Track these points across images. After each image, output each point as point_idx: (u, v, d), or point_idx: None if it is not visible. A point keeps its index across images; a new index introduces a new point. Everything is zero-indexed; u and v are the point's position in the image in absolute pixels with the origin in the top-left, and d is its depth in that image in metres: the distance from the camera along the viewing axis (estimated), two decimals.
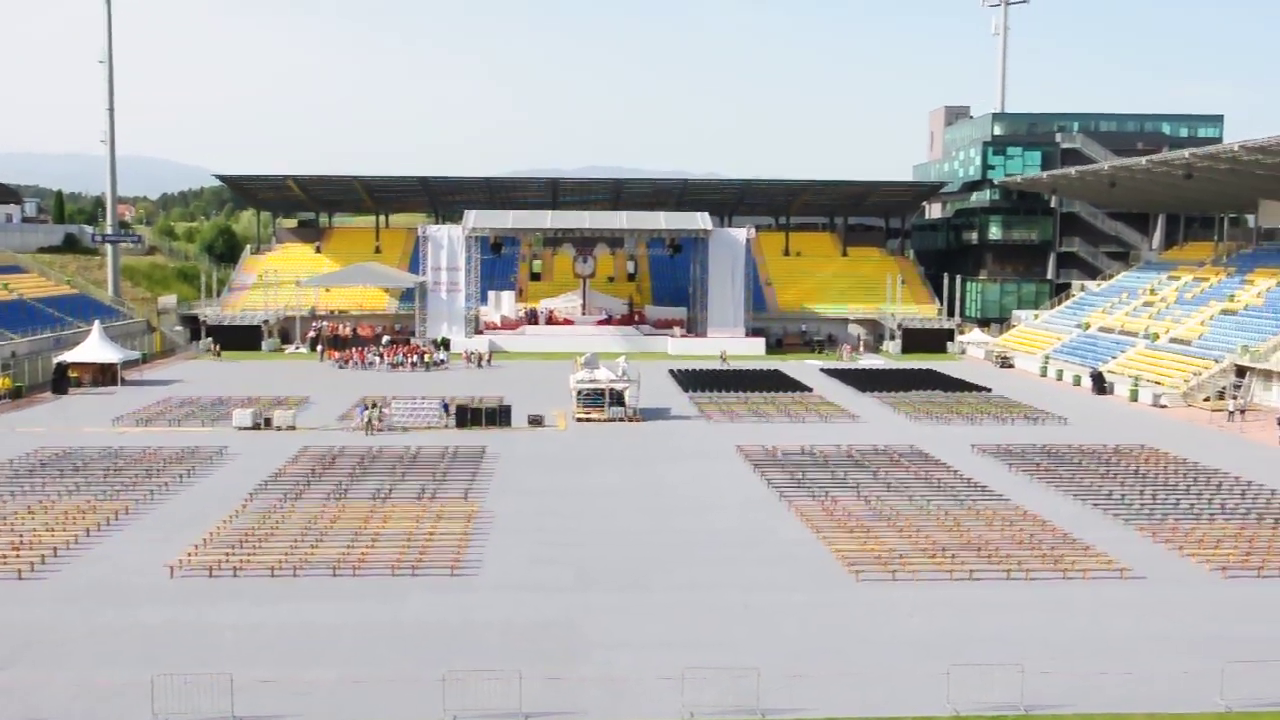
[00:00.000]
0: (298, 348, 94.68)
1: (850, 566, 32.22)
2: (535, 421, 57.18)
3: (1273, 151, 68.18)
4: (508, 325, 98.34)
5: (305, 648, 25.91)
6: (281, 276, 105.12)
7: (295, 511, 37.88)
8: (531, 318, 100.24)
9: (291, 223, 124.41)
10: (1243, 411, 61.51)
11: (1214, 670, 23.80)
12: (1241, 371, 68.27)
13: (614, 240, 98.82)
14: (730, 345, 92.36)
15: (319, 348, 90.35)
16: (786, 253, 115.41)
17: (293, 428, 55.36)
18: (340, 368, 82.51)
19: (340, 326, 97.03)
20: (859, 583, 31.14)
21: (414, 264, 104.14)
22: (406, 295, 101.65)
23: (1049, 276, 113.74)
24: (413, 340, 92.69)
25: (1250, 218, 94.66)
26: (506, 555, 33.50)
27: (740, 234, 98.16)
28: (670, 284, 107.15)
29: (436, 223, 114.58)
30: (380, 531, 35.30)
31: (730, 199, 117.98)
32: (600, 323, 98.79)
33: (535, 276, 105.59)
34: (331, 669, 24.56)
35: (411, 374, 79.72)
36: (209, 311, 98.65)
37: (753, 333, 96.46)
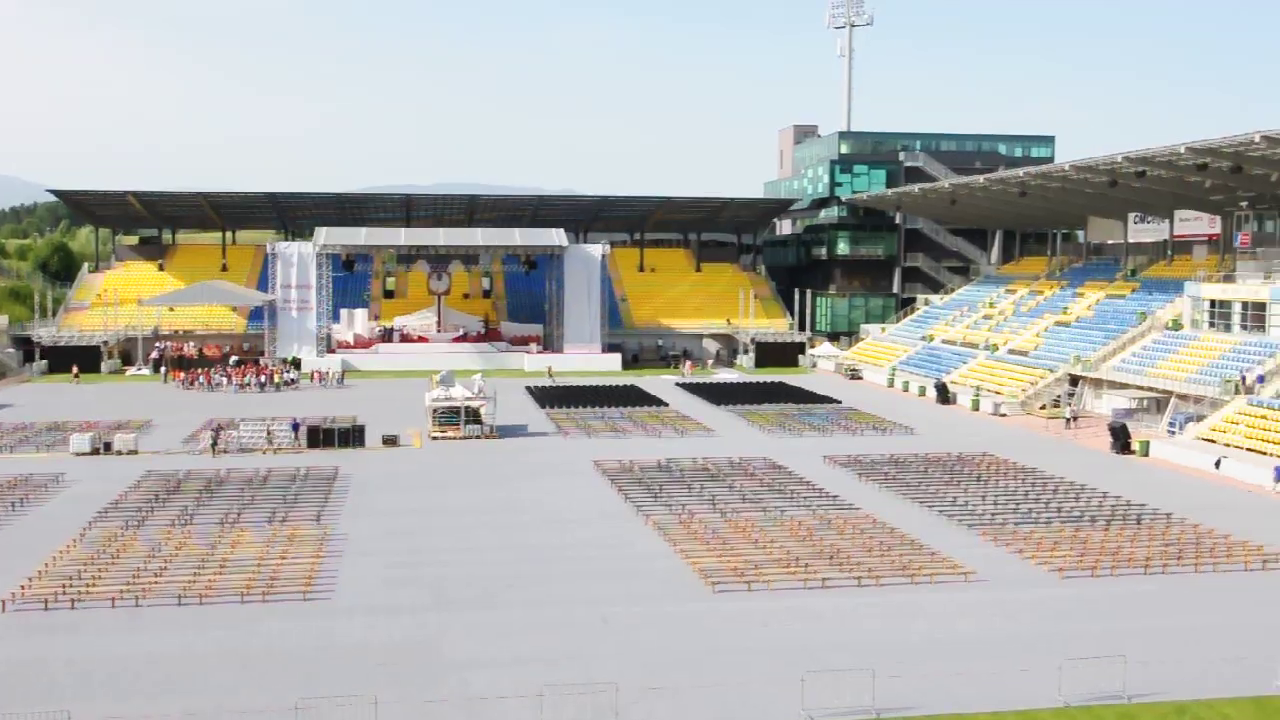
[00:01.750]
0: (140, 369, 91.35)
1: (706, 578, 32.60)
2: (390, 441, 56.34)
3: (1100, 170, 71.65)
4: (361, 344, 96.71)
5: (149, 681, 24.98)
6: (122, 295, 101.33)
7: (138, 539, 36.51)
8: (385, 336, 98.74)
9: (133, 240, 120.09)
10: (1076, 419, 64.34)
11: (1052, 668, 24.81)
12: (1075, 381, 71.44)
13: (469, 257, 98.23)
14: (587, 361, 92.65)
15: (163, 369, 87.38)
16: (642, 269, 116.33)
17: (135, 452, 53.37)
18: (186, 389, 79.91)
19: (185, 347, 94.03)
20: (715, 594, 31.52)
21: (263, 282, 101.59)
22: (255, 314, 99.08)
23: (895, 291, 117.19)
24: (262, 360, 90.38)
25: (1080, 233, 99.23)
26: (361, 577, 32.91)
27: (596, 250, 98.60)
28: (526, 301, 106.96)
29: (286, 239, 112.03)
30: (229, 557, 34.29)
31: (586, 215, 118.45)
32: (456, 340, 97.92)
33: (389, 294, 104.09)
34: (178, 702, 23.74)
35: (261, 395, 77.70)
36: (44, 332, 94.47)
37: (609, 348, 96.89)
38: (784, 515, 40.44)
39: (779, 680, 24.76)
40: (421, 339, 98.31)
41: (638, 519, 40.48)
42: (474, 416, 59.41)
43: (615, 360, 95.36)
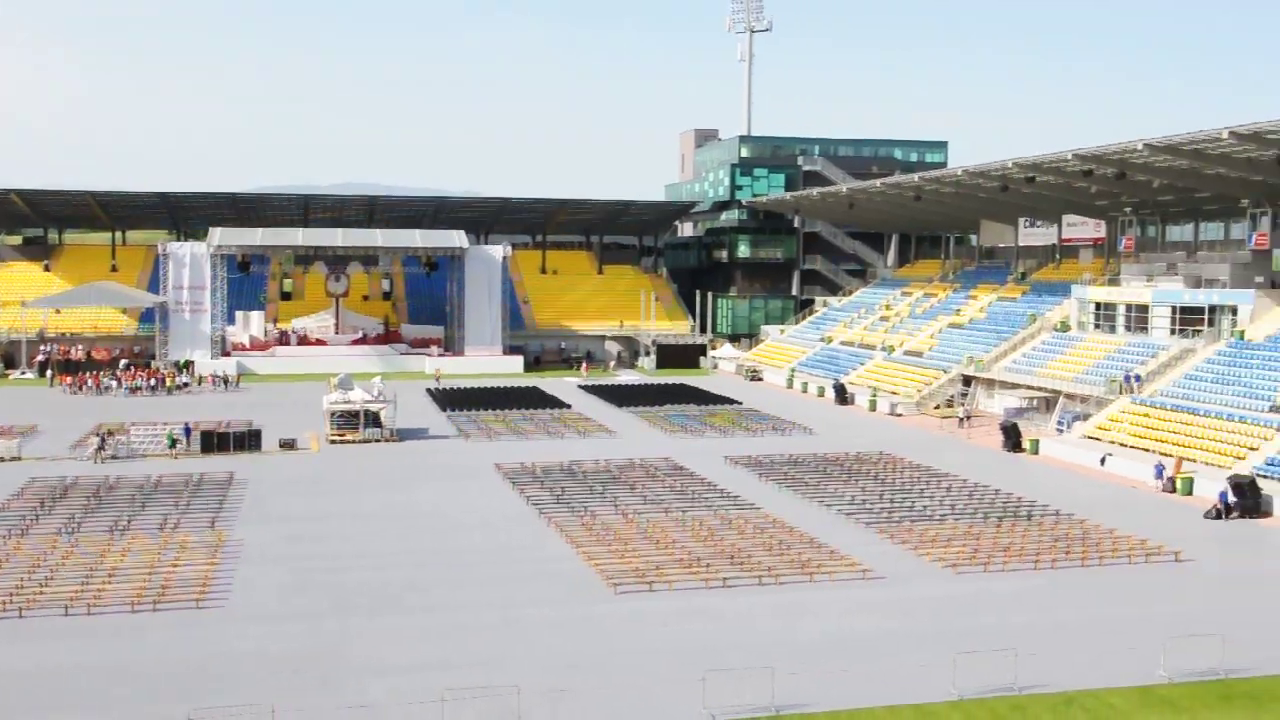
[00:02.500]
0: (24, 373, 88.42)
1: (608, 579, 32.68)
2: (287, 445, 55.38)
3: (992, 176, 73.45)
4: (257, 346, 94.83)
5: (34, 694, 24.22)
6: (5, 297, 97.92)
7: (22, 548, 35.36)
8: (282, 338, 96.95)
9: (16, 240, 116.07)
10: (969, 418, 65.87)
11: (947, 661, 25.39)
12: (968, 381, 73.12)
13: (368, 258, 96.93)
14: (488, 364, 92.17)
15: (49, 372, 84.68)
16: (544, 271, 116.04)
17: (18, 458, 51.65)
18: (73, 393, 77.57)
19: (73, 350, 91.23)
20: (617, 595, 31.62)
21: (154, 284, 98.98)
22: (146, 316, 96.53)
23: (794, 293, 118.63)
24: (153, 363, 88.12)
25: (973, 237, 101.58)
26: (257, 584, 32.31)
27: (497, 252, 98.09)
28: (427, 302, 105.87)
29: (178, 240, 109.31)
30: (118, 566, 33.39)
31: (487, 217, 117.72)
32: (355, 342, 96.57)
33: (286, 296, 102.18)
34: (64, 716, 23.05)
35: (152, 398, 75.77)
36: None
37: (511, 350, 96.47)
38: (685, 516, 40.71)
39: (680, 680, 24.92)
40: (319, 341, 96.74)
41: (540, 521, 40.40)
42: (373, 420, 58.68)
43: (517, 362, 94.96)
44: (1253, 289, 61.71)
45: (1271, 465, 45.80)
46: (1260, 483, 43.62)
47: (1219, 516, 42.16)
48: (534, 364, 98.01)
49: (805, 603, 31.19)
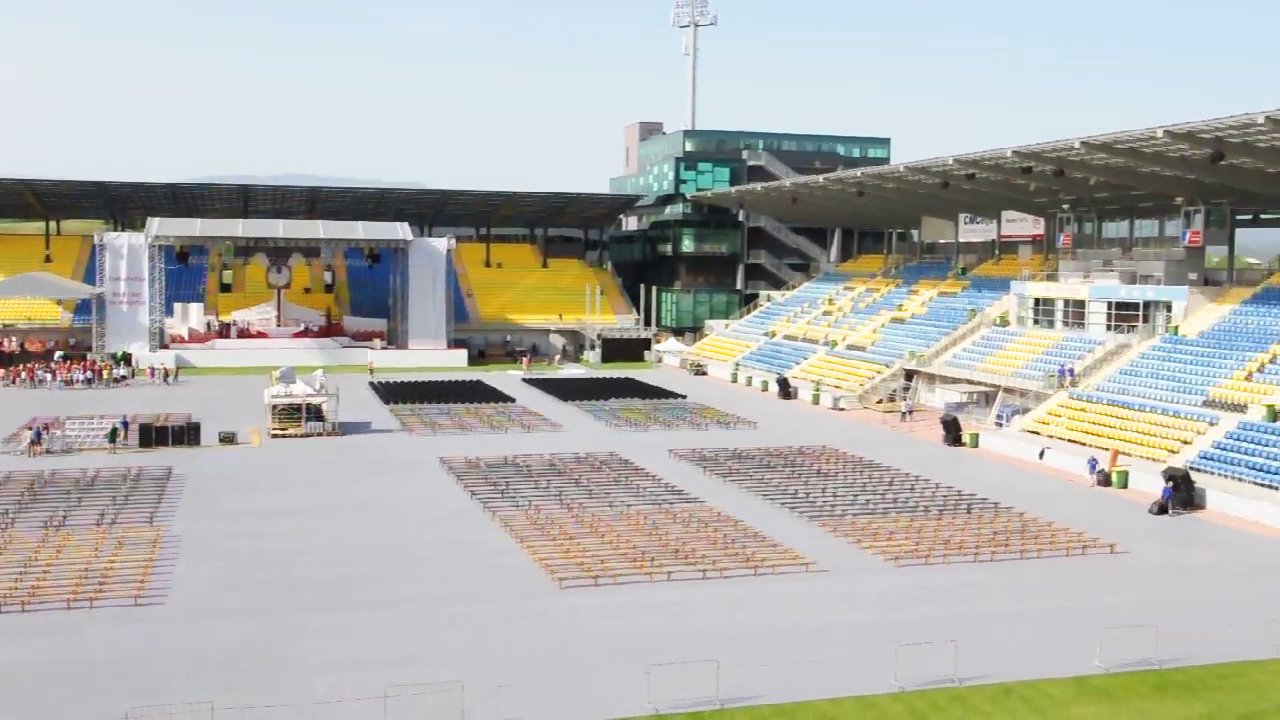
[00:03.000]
0: None
1: (553, 574, 32.66)
2: (227, 439, 54.71)
3: (933, 172, 74.22)
4: (196, 338, 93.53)
5: None
6: None
7: None
8: (223, 331, 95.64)
9: None
10: (911, 412, 66.55)
11: (889, 654, 25.66)
12: (910, 375, 73.88)
13: (310, 250, 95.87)
14: (432, 357, 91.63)
15: None
16: (488, 264, 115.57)
17: None
18: (6, 386, 76.01)
19: (5, 341, 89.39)
20: (562, 590, 31.61)
21: (90, 274, 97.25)
22: (82, 307, 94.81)
23: (738, 287, 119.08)
24: (89, 356, 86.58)
25: (915, 233, 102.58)
26: (197, 581, 31.90)
27: (441, 244, 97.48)
28: (370, 295, 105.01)
29: (115, 230, 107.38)
30: (53, 562, 32.82)
31: (431, 209, 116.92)
32: (297, 335, 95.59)
33: (226, 288, 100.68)
34: None
35: (89, 391, 74.47)
36: None
37: (455, 344, 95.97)
38: (630, 510, 40.78)
39: (625, 674, 24.98)
40: (260, 334, 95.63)
41: (484, 516, 40.27)
42: (315, 413, 58.14)
43: (461, 356, 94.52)
44: (1186, 285, 62.93)
45: (1205, 459, 46.75)
46: (1194, 476, 44.53)
47: (1162, 511, 42.49)
48: (478, 357, 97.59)
49: (749, 596, 31.38)
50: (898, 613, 30.20)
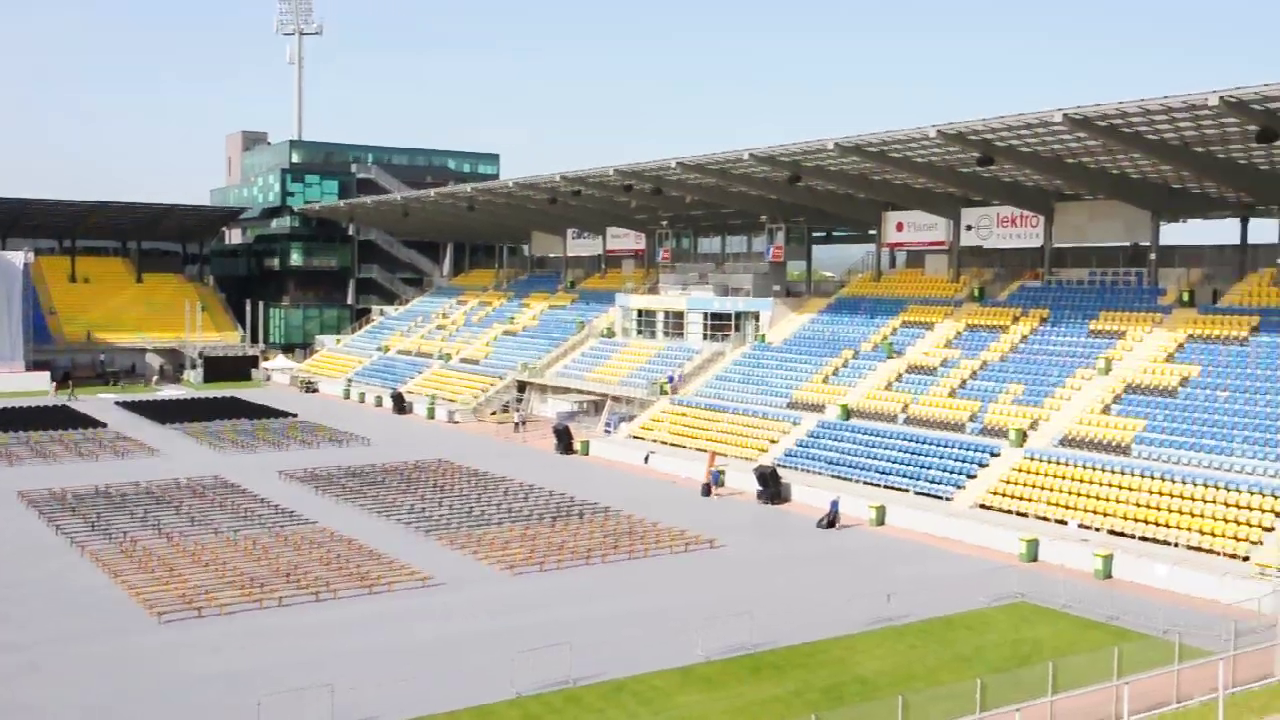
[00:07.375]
0: None
1: (151, 608, 30.66)
2: None
3: (541, 188, 76.10)
4: None
5: None
6: None
7: None
8: None
9: None
10: (524, 423, 67.85)
11: (506, 661, 26.03)
12: (522, 387, 75.30)
13: None
14: (8, 381, 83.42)
15: None
16: (74, 279, 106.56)
17: None
18: None
19: None
20: (161, 624, 29.74)
21: None
22: None
23: (350, 302, 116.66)
24: None
25: (526, 247, 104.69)
26: None
27: (17, 258, 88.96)
28: None
29: None
30: None
31: (5, 219, 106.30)
32: None
33: None
34: None
35: None
36: None
37: (36, 366, 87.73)
38: (237, 535, 39.01)
39: (237, 707, 23.87)
40: None
41: (72, 552, 37.17)
42: None
43: (43, 379, 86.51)
44: (771, 297, 68.18)
45: (790, 456, 50.80)
46: (780, 472, 48.26)
47: (830, 525, 42.47)
48: (64, 381, 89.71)
49: (365, 615, 30.86)
50: (514, 620, 30.70)
